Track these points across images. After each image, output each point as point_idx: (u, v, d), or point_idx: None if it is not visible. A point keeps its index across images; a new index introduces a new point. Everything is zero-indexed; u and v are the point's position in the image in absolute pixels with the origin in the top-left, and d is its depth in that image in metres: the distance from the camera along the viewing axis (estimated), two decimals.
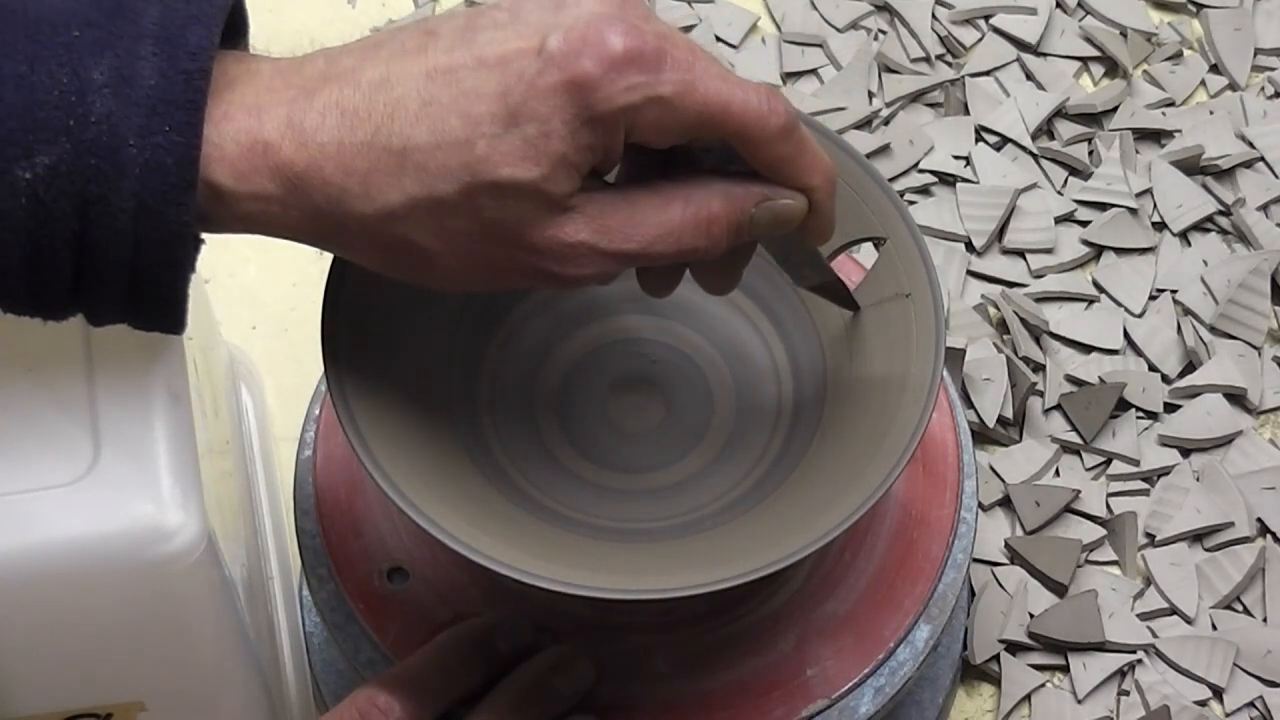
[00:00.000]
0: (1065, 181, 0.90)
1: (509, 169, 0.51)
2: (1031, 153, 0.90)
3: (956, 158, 0.90)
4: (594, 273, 0.54)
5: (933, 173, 0.89)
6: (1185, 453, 0.81)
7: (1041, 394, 0.82)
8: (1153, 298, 0.86)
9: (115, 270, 0.51)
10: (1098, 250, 0.87)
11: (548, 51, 0.51)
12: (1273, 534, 0.79)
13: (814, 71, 0.93)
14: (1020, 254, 0.87)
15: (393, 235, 0.53)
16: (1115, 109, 0.91)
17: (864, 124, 0.91)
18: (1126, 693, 0.75)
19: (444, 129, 0.51)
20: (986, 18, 0.95)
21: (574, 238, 0.53)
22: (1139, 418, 0.82)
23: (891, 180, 0.88)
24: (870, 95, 0.92)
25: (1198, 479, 0.80)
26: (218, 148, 0.51)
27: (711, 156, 0.55)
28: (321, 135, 0.51)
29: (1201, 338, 0.83)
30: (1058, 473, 0.81)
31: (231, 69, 0.52)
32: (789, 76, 0.93)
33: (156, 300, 0.52)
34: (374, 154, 0.51)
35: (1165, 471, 0.81)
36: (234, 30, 0.54)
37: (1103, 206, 0.88)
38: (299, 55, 0.54)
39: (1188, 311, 0.85)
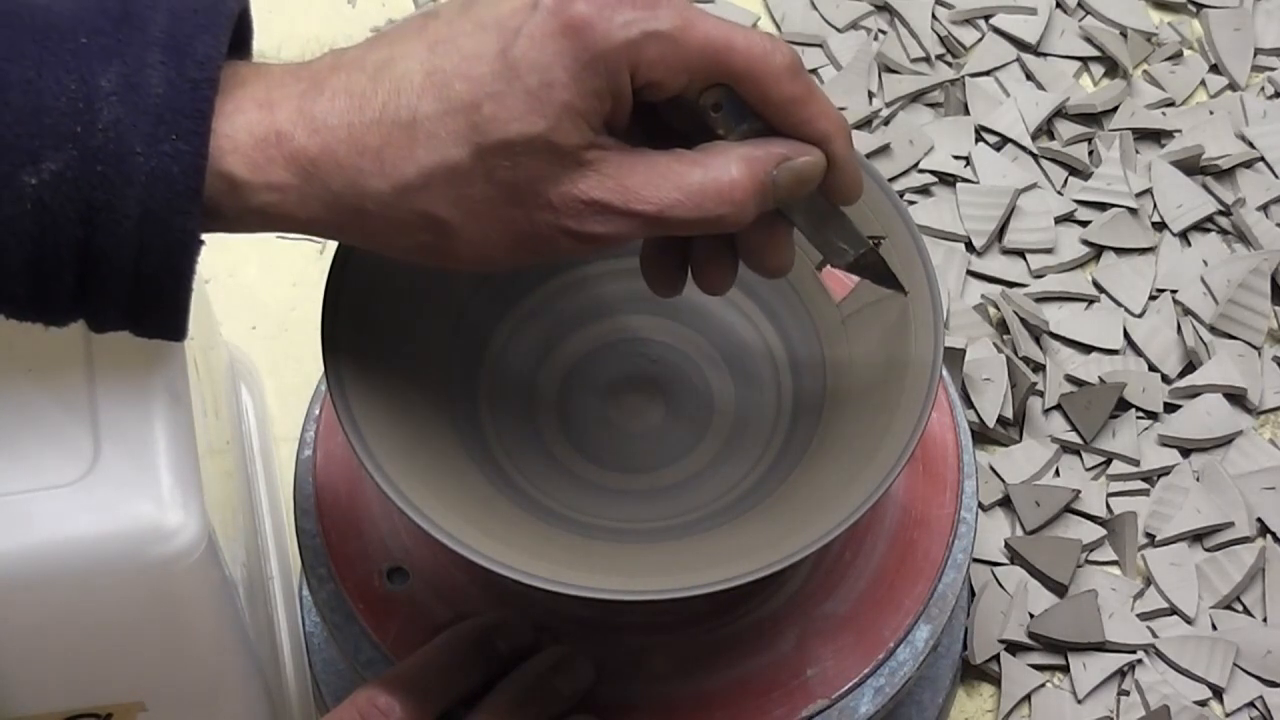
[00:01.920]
0: (1065, 181, 0.90)
1: (517, 124, 0.51)
2: (1031, 153, 0.90)
3: (956, 158, 0.90)
4: (611, 232, 0.53)
5: (933, 173, 0.89)
6: (1185, 453, 0.81)
7: (1041, 394, 0.82)
8: (1153, 298, 0.86)
9: (118, 277, 0.51)
10: (1098, 250, 0.87)
11: (541, 3, 0.51)
12: (1273, 534, 0.79)
13: (814, 71, 0.93)
14: (1020, 254, 0.87)
15: (412, 211, 0.53)
16: (1115, 109, 0.91)
17: (864, 124, 0.91)
18: (1126, 693, 0.75)
19: (449, 95, 0.51)
20: (986, 18, 0.95)
21: (591, 194, 0.52)
22: (1139, 418, 0.82)
23: (891, 180, 0.88)
24: (870, 95, 0.92)
25: (1198, 479, 0.80)
26: (230, 139, 0.51)
27: (722, 116, 0.54)
28: (331, 119, 0.51)
29: (1201, 338, 0.83)
30: (1058, 473, 0.81)
31: (241, 71, 0.52)
32: None
33: (159, 308, 0.52)
34: (384, 129, 0.51)
35: (1165, 471, 0.81)
36: (239, 39, 0.54)
37: (1103, 206, 0.88)
38: (308, 58, 0.54)
39: (1188, 311, 0.85)
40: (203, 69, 0.50)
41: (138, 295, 0.51)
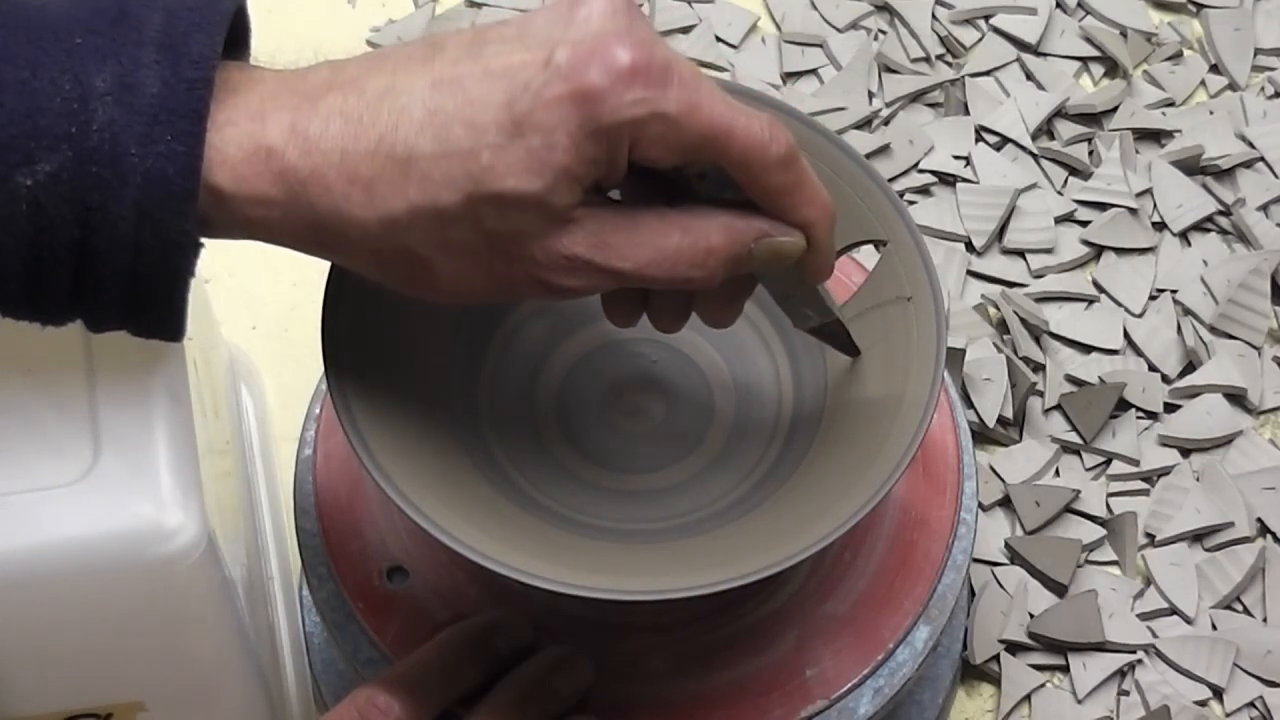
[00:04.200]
0: (1065, 181, 0.90)
1: (513, 180, 0.51)
2: (1031, 153, 0.90)
3: (956, 158, 0.90)
4: (585, 285, 0.54)
5: (933, 173, 0.89)
6: (1185, 453, 0.81)
7: (1041, 394, 0.82)
8: (1153, 298, 0.86)
9: (115, 278, 0.51)
10: (1098, 250, 0.87)
11: (555, 64, 0.51)
12: (1273, 534, 0.79)
13: (814, 71, 0.93)
14: (1020, 254, 0.87)
15: (394, 245, 0.53)
16: (1115, 109, 0.91)
17: (864, 124, 0.91)
18: (1126, 693, 0.75)
19: (449, 138, 0.51)
20: (986, 18, 0.95)
21: (572, 250, 0.53)
22: (1139, 418, 0.82)
23: (891, 180, 0.88)
24: (870, 95, 0.92)
25: (1198, 479, 0.80)
26: (220, 151, 0.51)
27: (706, 184, 0.55)
28: (325, 142, 0.51)
29: (1201, 338, 0.83)
30: (1058, 473, 0.81)
31: (235, 76, 0.52)
32: (789, 76, 0.93)
33: (156, 308, 0.52)
34: (378, 162, 0.51)
35: (1165, 471, 0.81)
36: (237, 38, 0.54)
37: (1103, 206, 0.88)
38: (303, 66, 0.54)
39: (1188, 311, 0.85)
40: (198, 68, 0.50)
41: (134, 295, 0.51)
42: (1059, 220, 0.88)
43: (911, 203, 0.88)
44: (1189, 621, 0.76)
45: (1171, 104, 0.92)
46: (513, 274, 0.54)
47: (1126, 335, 0.84)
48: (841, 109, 0.91)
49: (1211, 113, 0.92)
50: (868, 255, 0.66)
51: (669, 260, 0.54)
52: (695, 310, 0.60)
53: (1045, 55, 0.94)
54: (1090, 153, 0.90)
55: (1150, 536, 0.79)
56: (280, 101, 0.52)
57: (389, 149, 0.51)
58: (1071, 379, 0.83)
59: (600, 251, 0.53)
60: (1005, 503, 0.80)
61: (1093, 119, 0.91)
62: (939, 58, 0.94)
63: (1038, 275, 0.86)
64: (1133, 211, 0.87)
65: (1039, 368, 0.83)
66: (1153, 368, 0.84)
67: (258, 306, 0.86)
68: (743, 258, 0.55)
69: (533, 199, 0.51)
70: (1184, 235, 0.88)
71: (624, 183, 0.54)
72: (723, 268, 0.55)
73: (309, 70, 0.53)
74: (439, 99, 0.51)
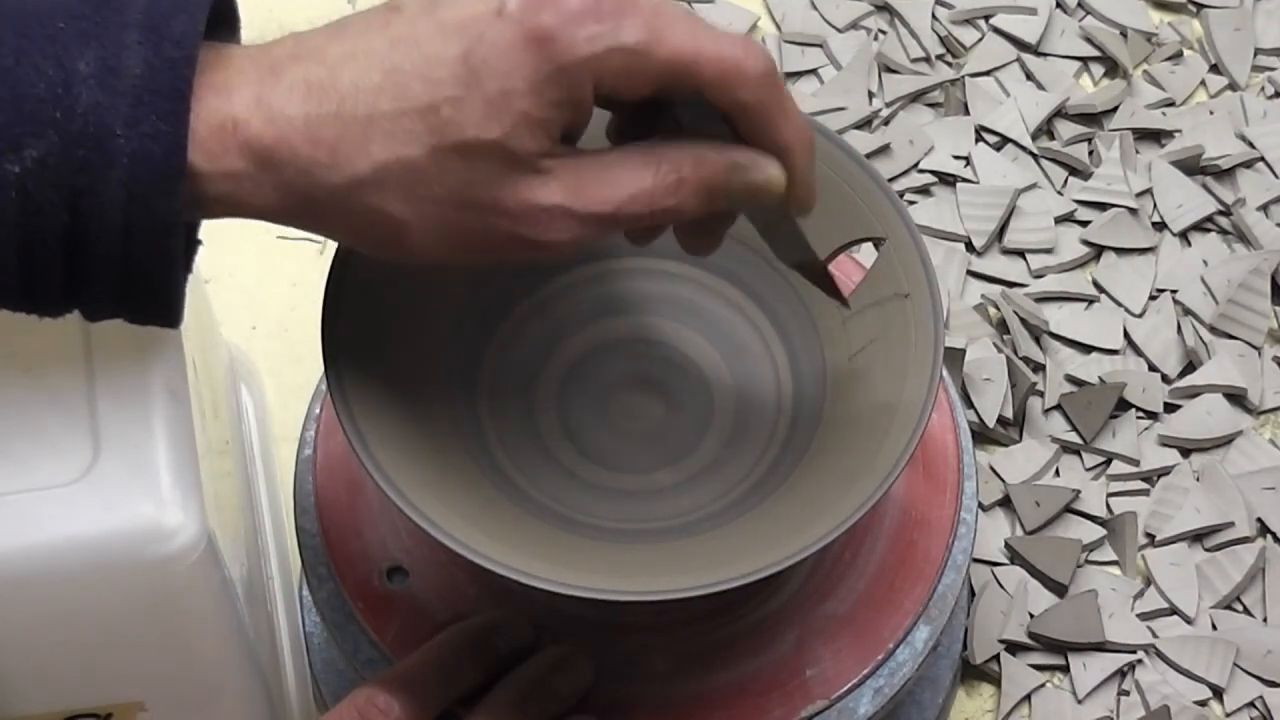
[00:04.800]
0: (1065, 181, 0.90)
1: (474, 129, 0.51)
2: (1031, 153, 0.90)
3: (956, 158, 0.90)
4: (569, 238, 0.53)
5: (933, 173, 0.89)
6: (1185, 453, 0.81)
7: (1041, 394, 0.82)
8: (1153, 298, 0.86)
9: (107, 262, 0.51)
10: (1098, 250, 0.87)
11: (507, 11, 0.51)
12: (1273, 534, 0.79)
13: (814, 71, 0.94)
14: (1020, 254, 0.87)
15: (364, 205, 0.53)
16: (1115, 109, 0.91)
17: (864, 124, 0.91)
18: (1126, 693, 0.75)
19: (408, 94, 0.51)
20: (986, 18, 0.95)
21: (548, 200, 0.53)
22: (1139, 418, 0.82)
23: (891, 180, 0.88)
24: (870, 95, 0.92)
25: (1198, 479, 0.80)
26: (191, 130, 0.51)
27: (689, 112, 0.54)
28: (289, 109, 0.51)
29: (1201, 338, 0.83)
30: (1058, 473, 0.81)
31: (203, 56, 0.52)
32: (789, 76, 0.93)
33: (150, 292, 0.52)
34: (340, 124, 0.51)
35: (1165, 471, 0.81)
36: (224, 24, 0.54)
37: (1103, 206, 0.88)
38: (269, 40, 0.54)
39: (1188, 311, 0.85)
40: (180, 48, 0.50)
41: (127, 278, 0.51)
42: (1059, 220, 0.88)
43: (911, 203, 0.88)
44: (1189, 621, 0.76)
45: (1171, 104, 0.92)
46: (489, 230, 0.53)
47: (1126, 335, 0.84)
48: (841, 109, 0.91)
49: (1211, 113, 0.92)
50: (867, 254, 0.66)
51: (646, 196, 0.53)
52: (676, 237, 0.59)
53: (1045, 55, 0.94)
54: (1090, 153, 0.90)
55: (1150, 536, 0.79)
56: (245, 76, 0.52)
57: (350, 110, 0.51)
58: (1071, 379, 0.83)
59: (578, 197, 0.53)
60: (1005, 503, 0.80)
61: (1093, 119, 0.91)
62: (939, 58, 0.94)
63: (1038, 275, 0.86)
64: (1133, 211, 0.87)
65: (1039, 368, 0.83)
66: (1153, 368, 0.84)
67: (258, 306, 0.86)
68: (717, 189, 0.54)
69: (496, 146, 0.51)
70: (1184, 235, 0.88)
71: (610, 124, 0.55)
72: (696, 198, 0.54)
73: (274, 44, 0.53)
74: (396, 57, 0.51)
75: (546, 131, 0.52)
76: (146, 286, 0.52)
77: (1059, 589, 0.77)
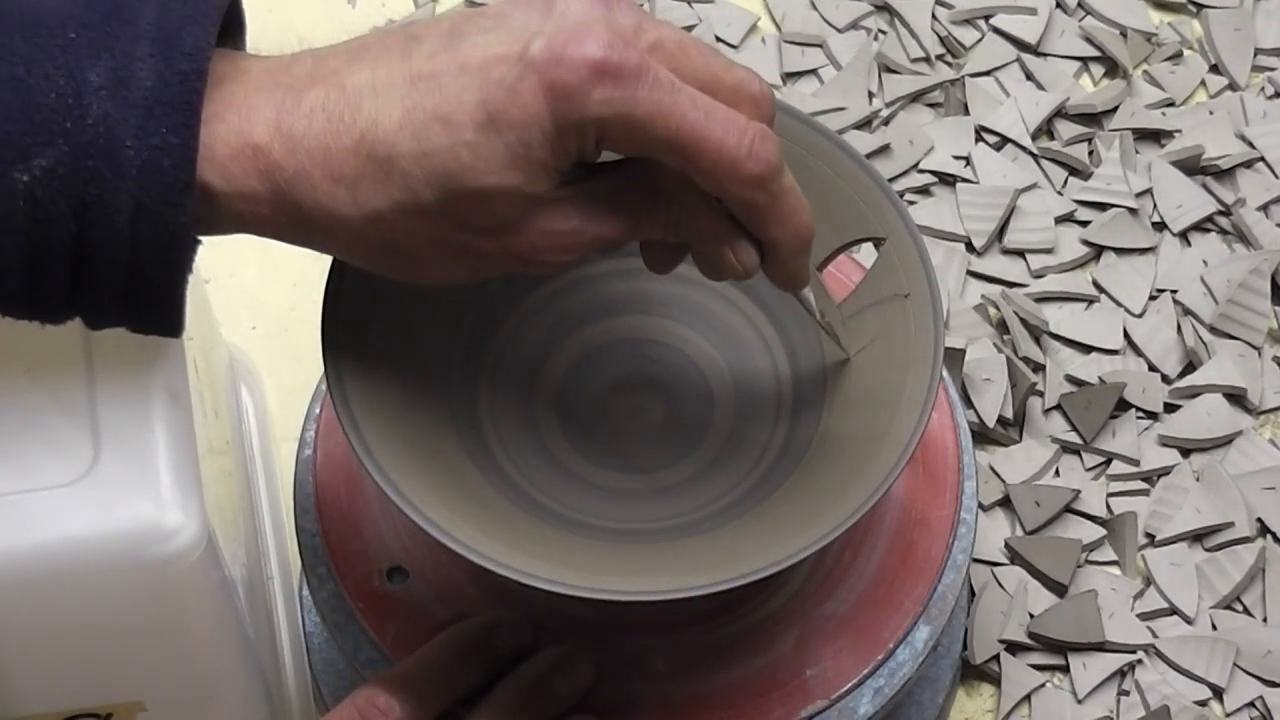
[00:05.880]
0: (1065, 181, 0.90)
1: (494, 178, 0.52)
2: (1031, 153, 0.90)
3: (956, 158, 0.90)
4: (576, 258, 0.55)
5: (933, 173, 0.89)
6: (1185, 453, 0.81)
7: (1041, 394, 0.82)
8: (1153, 298, 0.86)
9: (113, 272, 0.51)
10: (1098, 250, 0.87)
11: (529, 57, 0.51)
12: (1273, 534, 0.79)
13: (814, 71, 0.93)
14: (1020, 254, 0.87)
15: (379, 238, 0.53)
16: (1115, 109, 0.91)
17: (864, 124, 0.91)
18: (1126, 693, 0.75)
19: (427, 136, 0.51)
20: (986, 18, 0.95)
21: (566, 225, 0.54)
22: (1139, 418, 0.82)
23: (891, 180, 0.88)
24: (870, 95, 0.92)
25: (1198, 479, 0.80)
26: (208, 148, 0.51)
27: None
28: (309, 140, 0.52)
29: (1201, 338, 0.83)
30: (1058, 473, 0.81)
31: (220, 67, 0.52)
32: (789, 76, 0.94)
33: (154, 303, 0.52)
34: (359, 161, 0.52)
35: (1165, 471, 0.81)
36: (231, 30, 0.54)
37: (1103, 206, 0.88)
38: (288, 54, 0.54)
39: (1188, 311, 0.85)
40: (191, 60, 0.50)
41: (132, 290, 0.51)
42: (1059, 220, 0.88)
43: (911, 203, 0.88)
44: (1189, 621, 0.76)
45: (1171, 104, 0.92)
46: (504, 255, 0.54)
47: (1126, 335, 0.84)
48: (841, 109, 0.91)
49: (1211, 113, 0.92)
50: (867, 254, 0.66)
51: (645, 228, 0.56)
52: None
53: (1045, 55, 0.94)
54: (1090, 153, 0.90)
55: (1150, 536, 0.79)
56: (265, 95, 0.52)
57: (370, 148, 0.52)
58: (1071, 379, 0.82)
59: (594, 222, 0.54)
60: (1005, 503, 0.80)
61: (1093, 119, 0.91)
62: (939, 58, 0.94)
63: (1038, 275, 0.86)
64: (1133, 211, 0.87)
65: (1039, 368, 0.83)
66: (1153, 368, 0.84)
67: (258, 306, 0.86)
68: (700, 244, 0.56)
69: (515, 191, 0.52)
70: (1184, 235, 0.88)
71: None
72: (682, 238, 0.56)
73: (293, 59, 0.54)
74: (416, 96, 0.52)
75: (560, 171, 0.53)
76: (151, 297, 0.52)
77: (1059, 589, 0.77)
